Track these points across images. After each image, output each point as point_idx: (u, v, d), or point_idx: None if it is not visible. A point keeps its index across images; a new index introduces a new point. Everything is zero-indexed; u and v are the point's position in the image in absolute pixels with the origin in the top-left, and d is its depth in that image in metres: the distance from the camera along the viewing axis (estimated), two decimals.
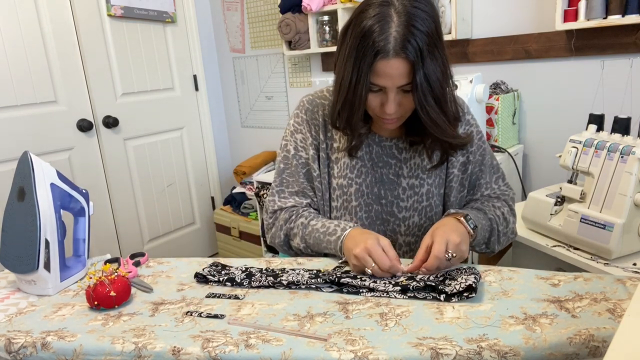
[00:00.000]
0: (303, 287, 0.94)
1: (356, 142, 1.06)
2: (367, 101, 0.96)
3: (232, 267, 1.05)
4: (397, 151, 1.10)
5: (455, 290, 0.85)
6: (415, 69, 0.89)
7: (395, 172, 1.10)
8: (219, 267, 1.04)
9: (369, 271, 0.91)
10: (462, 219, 0.99)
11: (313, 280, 0.94)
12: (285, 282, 0.95)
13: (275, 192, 1.15)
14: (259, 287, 0.96)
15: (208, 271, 1.02)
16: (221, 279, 0.99)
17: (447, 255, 0.91)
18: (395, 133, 1.10)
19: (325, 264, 1.07)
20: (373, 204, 1.11)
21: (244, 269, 1.03)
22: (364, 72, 0.91)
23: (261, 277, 0.98)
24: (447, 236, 0.92)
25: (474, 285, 0.85)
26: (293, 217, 1.11)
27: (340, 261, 1.02)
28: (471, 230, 0.98)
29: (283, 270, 1.01)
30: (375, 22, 0.89)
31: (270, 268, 1.03)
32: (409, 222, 1.11)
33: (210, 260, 1.14)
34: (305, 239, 1.08)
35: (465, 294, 0.85)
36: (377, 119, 1.01)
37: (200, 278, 1.01)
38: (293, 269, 1.01)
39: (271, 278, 0.96)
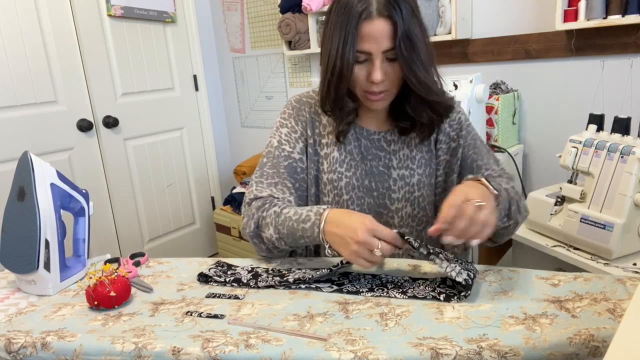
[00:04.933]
0: (311, 283, 0.94)
1: (343, 127, 1.06)
2: (354, 72, 0.96)
3: (237, 267, 1.05)
4: (386, 143, 1.11)
5: (452, 276, 0.84)
6: (398, 29, 0.91)
7: (385, 164, 1.11)
8: (225, 268, 1.04)
9: (378, 252, 0.84)
10: (482, 179, 0.94)
11: (318, 273, 0.94)
12: (291, 280, 0.94)
13: (253, 183, 1.10)
14: (266, 287, 0.96)
15: (214, 272, 1.02)
16: (227, 279, 0.98)
17: (473, 202, 0.82)
18: (382, 126, 1.12)
19: (326, 264, 1.07)
20: (365, 197, 1.10)
21: (249, 269, 1.03)
22: (350, 36, 0.92)
23: (267, 277, 0.98)
24: (465, 191, 0.86)
25: (468, 278, 0.85)
26: (266, 205, 1.03)
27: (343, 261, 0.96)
28: (493, 190, 0.91)
29: (289, 270, 1.01)
30: None
31: (277, 269, 1.03)
32: (401, 213, 1.11)
33: (210, 260, 1.14)
34: (278, 229, 0.99)
35: (463, 294, 0.85)
36: (365, 98, 1.01)
37: (203, 278, 1.00)
38: (299, 269, 1.01)
39: (277, 278, 0.96)
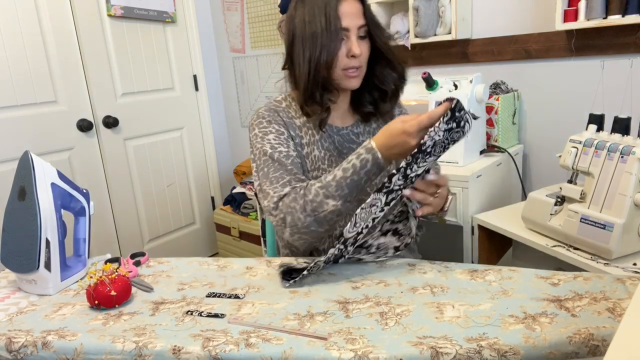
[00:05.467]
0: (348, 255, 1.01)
1: (323, 115, 1.13)
2: (338, 47, 1.06)
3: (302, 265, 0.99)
4: (355, 136, 1.22)
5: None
6: (366, 8, 1.09)
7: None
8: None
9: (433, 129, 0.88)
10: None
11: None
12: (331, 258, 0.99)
13: (268, 191, 1.07)
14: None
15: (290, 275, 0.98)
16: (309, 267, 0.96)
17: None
18: (347, 122, 1.22)
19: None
20: None
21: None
22: (332, 14, 1.04)
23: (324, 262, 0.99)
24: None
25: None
26: (301, 192, 1.03)
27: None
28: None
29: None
30: None
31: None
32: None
33: (211, 260, 1.14)
34: (337, 194, 0.99)
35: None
36: (344, 76, 1.10)
37: (288, 275, 0.98)
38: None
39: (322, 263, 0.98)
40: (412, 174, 0.94)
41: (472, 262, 1.63)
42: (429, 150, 0.90)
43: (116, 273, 0.94)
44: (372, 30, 1.10)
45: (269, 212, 1.08)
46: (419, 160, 0.92)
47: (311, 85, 1.09)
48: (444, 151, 0.93)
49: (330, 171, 1.05)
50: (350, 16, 1.05)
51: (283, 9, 2.46)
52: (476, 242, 1.60)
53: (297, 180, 1.08)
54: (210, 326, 0.83)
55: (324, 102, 1.12)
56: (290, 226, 1.03)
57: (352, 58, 1.07)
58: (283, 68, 1.16)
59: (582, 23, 1.62)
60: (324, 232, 1.05)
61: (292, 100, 1.20)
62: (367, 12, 1.08)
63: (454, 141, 0.92)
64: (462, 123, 0.89)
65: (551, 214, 1.33)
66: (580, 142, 1.25)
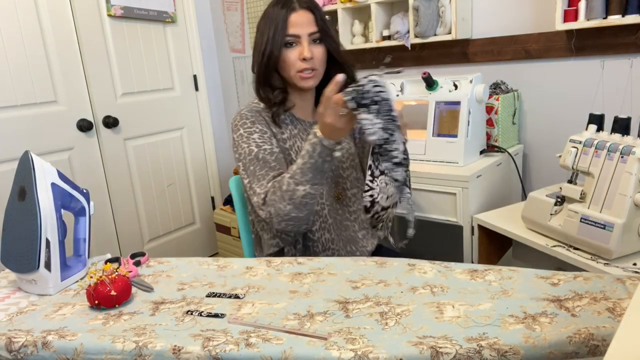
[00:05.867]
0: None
1: (276, 109, 1.25)
2: (282, 53, 1.21)
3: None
4: None
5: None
6: (317, 17, 1.22)
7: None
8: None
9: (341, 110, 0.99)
10: None
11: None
12: None
13: (256, 189, 1.17)
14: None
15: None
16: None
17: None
18: (314, 116, 1.32)
19: (326, 263, 1.07)
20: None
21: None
22: (280, 25, 1.19)
23: None
24: None
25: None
26: (277, 185, 1.13)
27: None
28: None
29: None
30: (280, 1, 1.23)
31: None
32: (351, 177, 1.36)
33: (211, 260, 1.14)
34: (303, 180, 1.09)
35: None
36: (298, 78, 1.23)
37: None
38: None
39: None
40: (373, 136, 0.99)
41: (472, 262, 1.63)
42: (376, 128, 0.97)
43: (116, 273, 0.94)
44: (323, 37, 1.23)
45: (258, 207, 1.17)
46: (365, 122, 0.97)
47: (262, 85, 1.26)
48: (387, 112, 0.97)
49: None
50: (300, 25, 1.20)
51: None
52: (476, 242, 1.60)
53: (279, 174, 1.18)
54: (210, 326, 0.83)
55: (272, 100, 1.25)
56: (276, 216, 1.13)
57: (304, 61, 1.20)
58: (253, 71, 1.30)
59: (582, 23, 1.62)
60: (305, 215, 1.15)
61: (252, 102, 1.30)
62: (318, 20, 1.22)
63: (382, 100, 0.96)
64: (376, 96, 0.95)
65: (551, 214, 1.33)
66: (580, 142, 1.25)
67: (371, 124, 0.96)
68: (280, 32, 1.20)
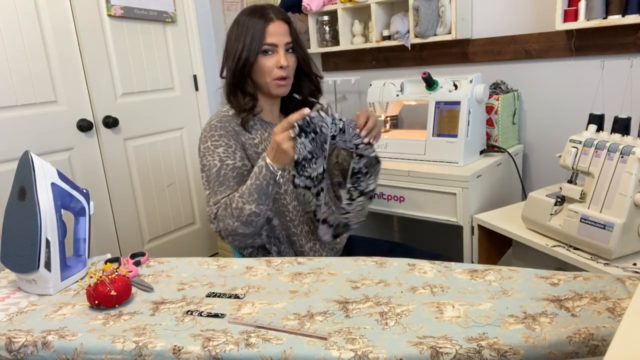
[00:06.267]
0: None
1: (244, 115, 1.31)
2: (258, 61, 1.28)
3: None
4: None
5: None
6: (292, 29, 1.33)
7: None
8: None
9: (291, 132, 1.10)
10: None
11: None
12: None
13: (210, 203, 1.25)
14: None
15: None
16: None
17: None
18: (281, 120, 1.35)
19: (326, 263, 1.07)
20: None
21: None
22: (258, 34, 1.26)
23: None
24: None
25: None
26: (228, 202, 1.20)
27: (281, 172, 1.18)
28: None
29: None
30: (254, 10, 1.30)
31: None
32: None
33: (211, 260, 1.14)
34: (250, 199, 1.17)
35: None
36: (273, 85, 1.30)
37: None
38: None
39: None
40: (310, 172, 1.16)
41: (472, 262, 1.63)
42: (306, 151, 1.11)
43: (116, 273, 0.94)
44: (295, 47, 1.32)
45: (210, 221, 1.24)
46: (304, 163, 1.13)
47: (233, 91, 1.32)
48: (326, 150, 1.14)
49: None
50: (278, 35, 1.28)
51: (283, 9, 2.46)
52: (476, 242, 1.60)
53: (233, 191, 1.23)
54: (210, 326, 0.83)
55: (243, 106, 1.31)
56: (224, 231, 1.20)
57: (280, 69, 1.28)
58: (221, 76, 1.36)
59: (582, 23, 1.62)
60: (251, 232, 1.21)
61: (232, 109, 1.33)
62: (292, 31, 1.32)
63: (326, 142, 1.13)
64: (318, 128, 1.11)
65: (551, 214, 1.33)
66: (580, 142, 1.25)
67: (302, 146, 1.09)
68: (258, 40, 1.26)
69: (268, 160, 1.15)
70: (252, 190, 1.16)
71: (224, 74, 1.34)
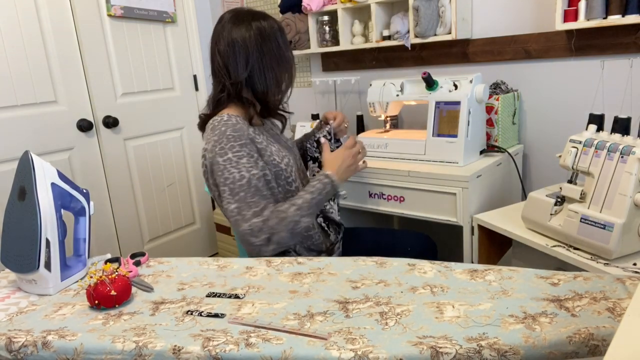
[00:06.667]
0: None
1: (255, 121, 1.38)
2: (287, 92, 1.41)
3: None
4: (273, 129, 1.49)
5: None
6: None
7: (284, 140, 1.51)
8: None
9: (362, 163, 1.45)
10: None
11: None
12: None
13: (245, 215, 1.20)
14: None
15: None
16: None
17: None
18: (259, 121, 1.44)
19: (326, 263, 1.07)
20: (295, 159, 1.45)
21: None
22: (294, 70, 1.41)
23: None
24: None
25: None
26: (281, 215, 1.21)
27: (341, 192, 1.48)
28: None
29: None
30: (285, 38, 1.41)
31: None
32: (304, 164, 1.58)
33: (211, 260, 1.14)
34: (309, 212, 1.25)
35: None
36: (279, 108, 1.44)
37: None
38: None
39: None
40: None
41: (472, 262, 1.63)
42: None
43: (116, 273, 0.94)
44: None
45: (250, 234, 1.18)
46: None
47: (239, 97, 1.34)
48: None
49: (287, 156, 1.37)
50: None
51: (283, 9, 2.46)
52: (476, 242, 1.60)
53: (270, 202, 1.24)
54: (210, 326, 0.83)
55: (250, 112, 1.35)
56: (275, 243, 1.20)
57: None
58: (229, 79, 1.33)
59: (582, 23, 1.62)
60: (292, 242, 1.27)
61: (235, 116, 1.30)
62: None
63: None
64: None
65: (551, 214, 1.33)
66: (580, 142, 1.25)
67: None
68: (293, 76, 1.40)
69: (336, 179, 1.32)
70: (312, 204, 1.25)
71: (238, 78, 1.31)
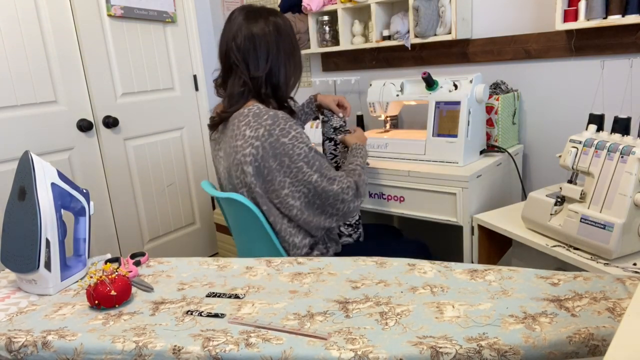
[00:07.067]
0: None
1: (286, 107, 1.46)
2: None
3: None
4: None
5: None
6: None
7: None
8: None
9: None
10: None
11: None
12: None
13: (334, 178, 1.33)
14: None
15: None
16: None
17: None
18: None
19: (326, 263, 1.07)
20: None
21: None
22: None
23: None
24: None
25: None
26: (361, 178, 1.40)
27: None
28: None
29: None
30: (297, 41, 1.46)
31: None
32: None
33: (211, 260, 1.14)
34: (363, 172, 1.43)
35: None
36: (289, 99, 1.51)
37: None
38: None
39: None
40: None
41: (472, 262, 1.63)
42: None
43: (116, 273, 0.94)
44: None
45: (342, 192, 1.32)
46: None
47: (293, 86, 1.45)
48: None
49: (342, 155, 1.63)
50: None
51: (283, 9, 2.46)
52: (476, 242, 1.60)
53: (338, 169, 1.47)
54: (210, 326, 0.83)
55: (278, 103, 1.43)
56: (360, 197, 1.38)
57: None
58: (261, 79, 1.34)
59: (582, 23, 1.62)
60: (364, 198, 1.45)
61: (263, 106, 1.33)
62: None
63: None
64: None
65: (551, 214, 1.33)
66: (580, 142, 1.25)
67: None
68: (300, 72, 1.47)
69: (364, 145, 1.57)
70: (364, 165, 1.45)
71: (258, 72, 1.32)
